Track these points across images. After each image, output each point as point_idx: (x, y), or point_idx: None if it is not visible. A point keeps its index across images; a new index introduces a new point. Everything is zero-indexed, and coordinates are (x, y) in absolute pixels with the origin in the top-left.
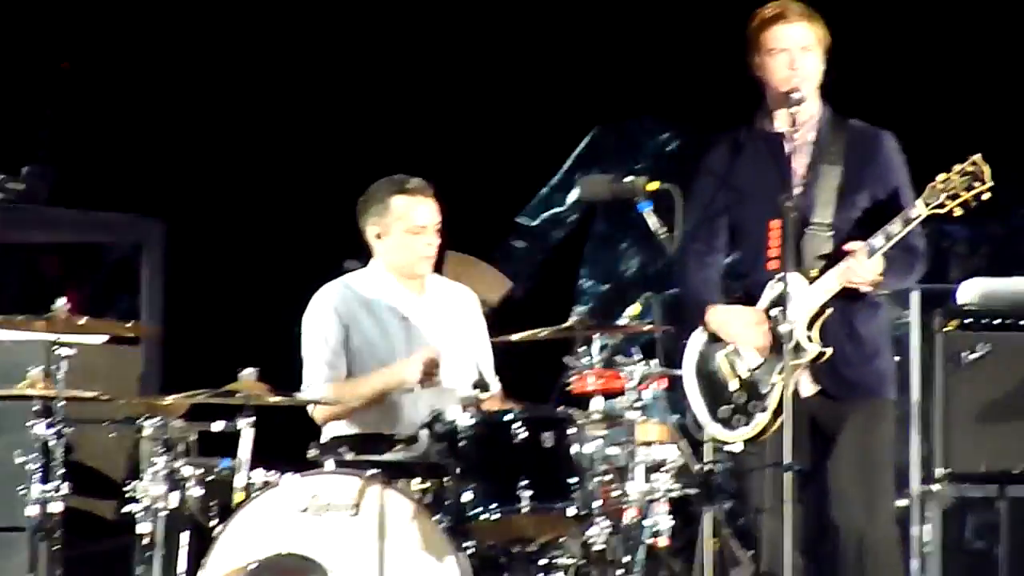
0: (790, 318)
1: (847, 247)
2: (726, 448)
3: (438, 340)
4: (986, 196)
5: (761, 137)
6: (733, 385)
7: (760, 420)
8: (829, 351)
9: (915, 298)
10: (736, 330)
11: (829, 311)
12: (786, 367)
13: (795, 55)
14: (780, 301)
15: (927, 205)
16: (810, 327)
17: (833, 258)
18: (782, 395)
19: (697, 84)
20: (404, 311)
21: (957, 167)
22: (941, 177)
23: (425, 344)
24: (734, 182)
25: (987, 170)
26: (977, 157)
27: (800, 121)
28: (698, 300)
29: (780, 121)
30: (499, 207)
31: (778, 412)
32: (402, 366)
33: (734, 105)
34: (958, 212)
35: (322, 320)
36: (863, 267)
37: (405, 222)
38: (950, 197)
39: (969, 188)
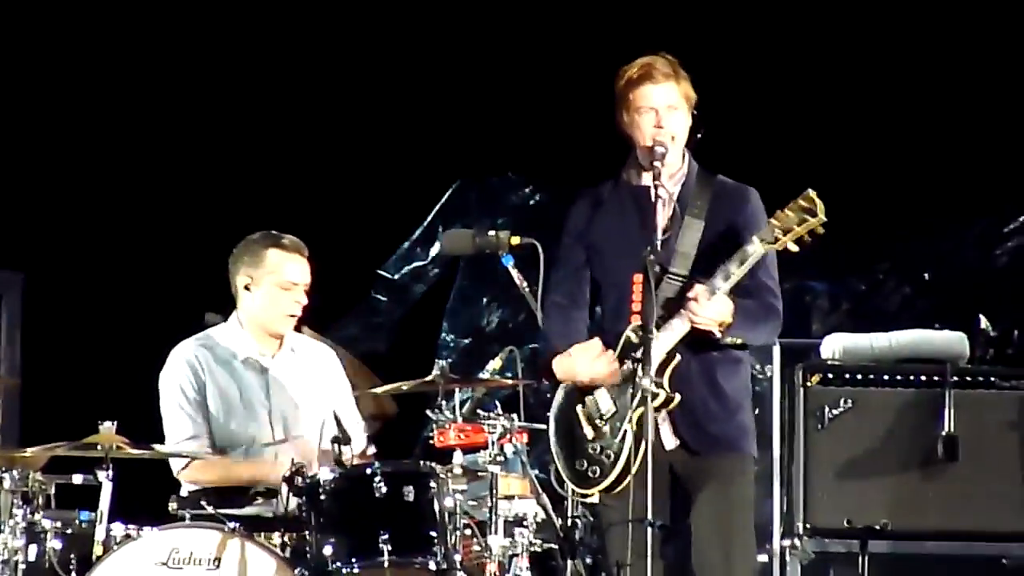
0: (632, 370)
1: (691, 293)
2: (586, 501)
3: (297, 393)
4: (819, 231)
5: (627, 190)
6: (589, 435)
7: (614, 470)
8: (677, 398)
9: (777, 352)
10: (581, 367)
11: (678, 358)
12: (647, 423)
13: (662, 114)
14: (632, 350)
15: (762, 241)
16: (659, 374)
17: (679, 303)
18: (634, 445)
19: (559, 140)
20: (262, 364)
21: (791, 203)
22: (777, 213)
23: (284, 401)
24: (597, 236)
25: (820, 204)
26: (811, 192)
27: (668, 175)
28: (554, 351)
29: (647, 176)
30: (360, 261)
31: (629, 462)
32: (270, 468)
33: (595, 161)
34: (793, 248)
35: (178, 377)
36: (704, 307)
37: (277, 276)
38: (784, 232)
39: (802, 222)
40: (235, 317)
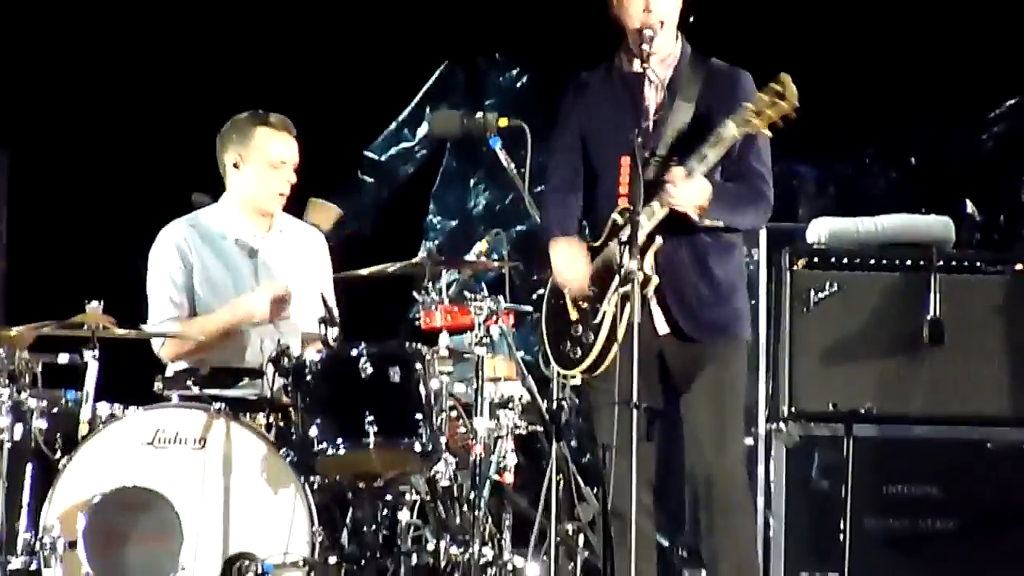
0: (615, 250)
1: (667, 175)
2: (569, 383)
3: (286, 276)
4: (791, 115)
5: (618, 75)
6: (572, 316)
7: (592, 350)
8: (655, 279)
9: (763, 236)
10: (557, 267)
11: (659, 241)
12: (634, 305)
13: None
14: (631, 241)
15: (735, 124)
16: (640, 255)
17: (657, 185)
18: (614, 323)
19: (547, 22)
20: (252, 245)
21: (766, 87)
22: (752, 97)
23: (273, 279)
24: (589, 121)
25: (792, 89)
26: (784, 76)
27: (660, 59)
28: (550, 236)
29: (637, 61)
30: (347, 141)
31: (610, 341)
32: (250, 299)
33: (584, 45)
34: (765, 131)
35: (165, 258)
36: (680, 189)
37: (265, 155)
38: (756, 115)
39: (773, 106)
40: (225, 197)
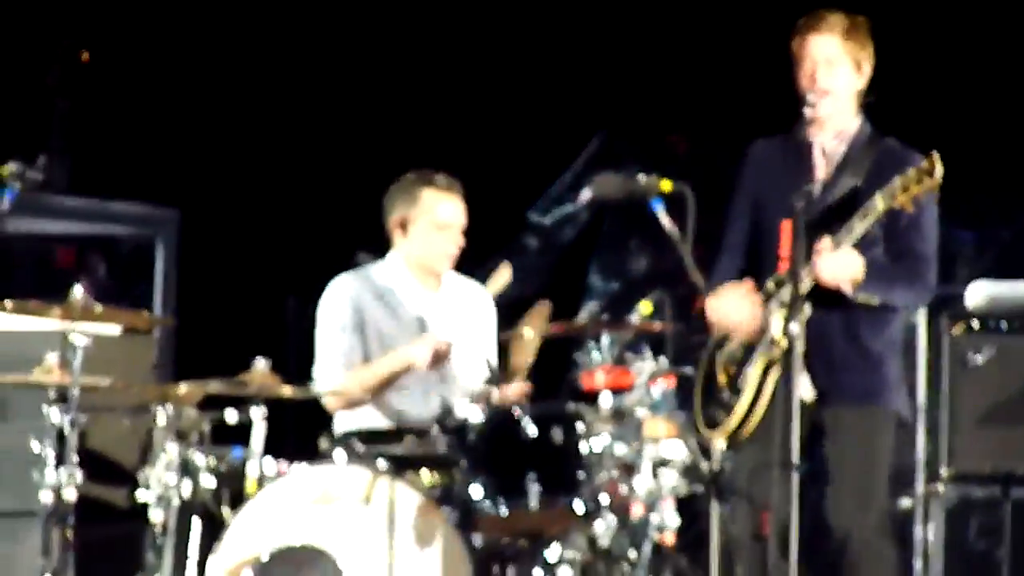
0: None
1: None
2: (715, 446)
3: (453, 335)
4: (935, 193)
5: (793, 144)
6: (722, 381)
7: (736, 413)
8: (798, 347)
9: None
10: (726, 307)
11: (808, 310)
12: (761, 360)
13: (819, 67)
14: (792, 305)
15: (882, 198)
16: (787, 321)
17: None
18: (759, 387)
19: (710, 94)
20: (419, 307)
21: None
22: (904, 173)
23: (441, 336)
24: (760, 188)
25: (939, 167)
26: (934, 154)
27: (834, 133)
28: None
29: (813, 131)
30: (511, 204)
31: (754, 404)
32: (411, 350)
33: (747, 115)
34: (908, 207)
35: (337, 308)
36: (827, 261)
37: (432, 216)
38: (903, 190)
39: (919, 181)
40: (392, 255)
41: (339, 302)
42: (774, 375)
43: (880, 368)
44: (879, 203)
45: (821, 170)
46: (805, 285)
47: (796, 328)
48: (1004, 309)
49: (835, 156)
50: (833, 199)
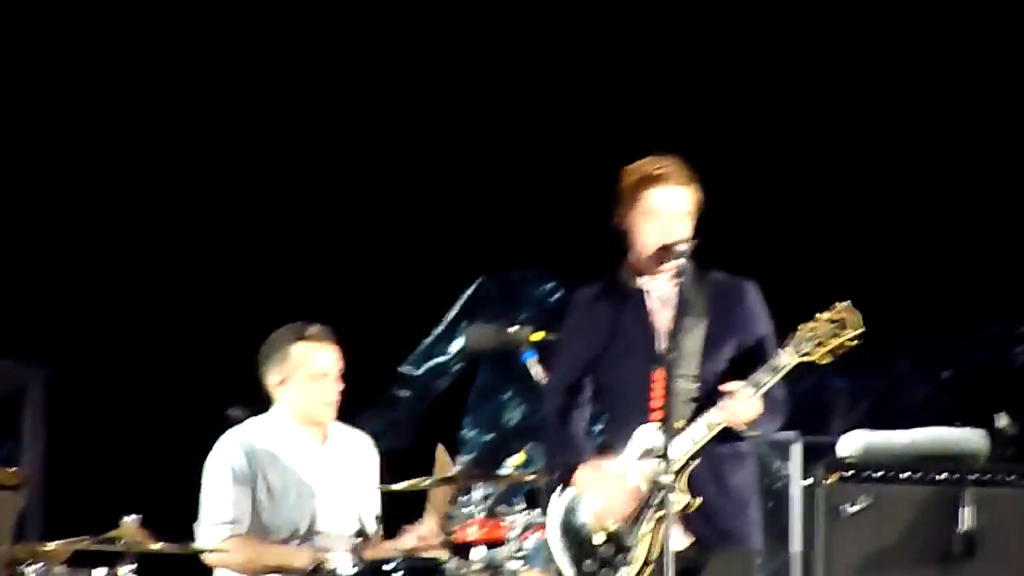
0: (656, 469)
1: (725, 387)
2: None
3: (341, 483)
4: (853, 343)
5: (624, 291)
6: (599, 539)
7: (631, 571)
8: (698, 501)
9: (796, 450)
10: (598, 496)
11: (696, 461)
12: (655, 516)
13: (671, 221)
14: (648, 452)
15: (796, 353)
16: (677, 476)
17: (700, 406)
18: (650, 547)
19: (580, 232)
20: (308, 461)
21: (822, 315)
22: (808, 325)
23: (330, 496)
24: (596, 341)
25: (855, 317)
26: (844, 304)
27: (666, 276)
28: (562, 459)
29: (643, 278)
30: (381, 356)
31: (645, 565)
32: (297, 556)
33: (617, 254)
34: (825, 360)
35: (229, 460)
36: (745, 406)
37: (307, 369)
38: (817, 345)
39: (835, 335)
40: (274, 411)
41: (233, 454)
42: (663, 529)
43: (745, 508)
44: (792, 358)
45: (659, 317)
46: (711, 433)
47: (668, 479)
48: (879, 458)
49: (670, 300)
50: (684, 344)
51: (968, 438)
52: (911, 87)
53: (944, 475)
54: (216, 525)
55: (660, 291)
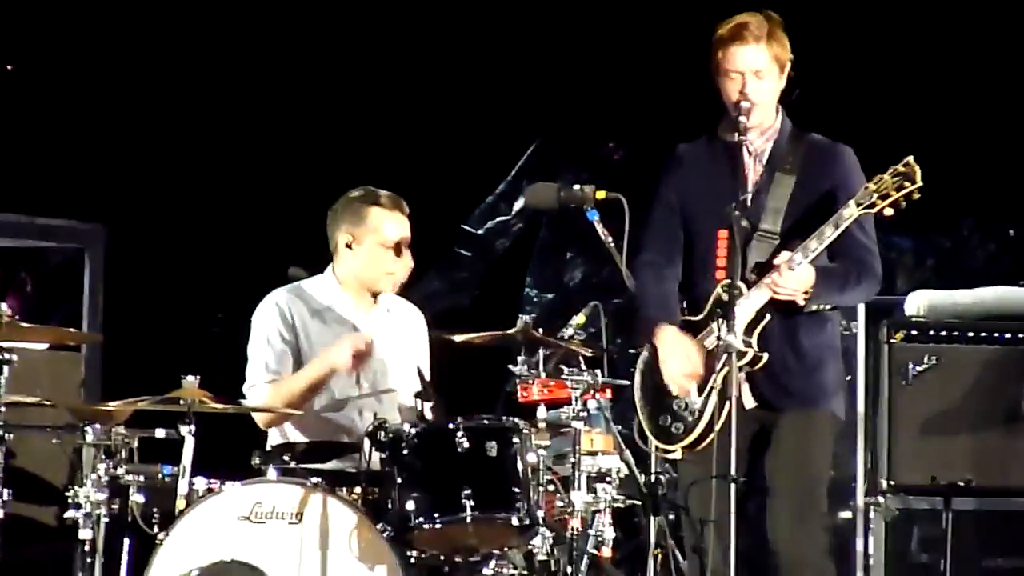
0: (730, 326)
1: (776, 260)
2: (667, 457)
3: (386, 353)
4: (915, 196)
5: (719, 146)
6: (674, 395)
7: (697, 428)
8: (765, 356)
9: (861, 310)
10: (670, 360)
11: (768, 318)
12: (732, 379)
13: (748, 79)
14: (722, 310)
15: (858, 205)
16: (748, 332)
17: (768, 266)
18: (719, 402)
19: (642, 98)
20: (355, 322)
21: (890, 169)
22: (875, 178)
23: (375, 359)
24: (687, 192)
25: (918, 171)
26: (910, 159)
27: (760, 132)
28: (650, 317)
29: (740, 135)
30: (445, 215)
31: (713, 420)
32: (332, 352)
33: (678, 120)
34: (888, 212)
35: (268, 322)
36: (785, 280)
37: (380, 235)
38: (881, 197)
39: (900, 188)
40: (330, 271)
41: (271, 316)
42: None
43: (818, 372)
44: (854, 210)
45: (751, 171)
46: (767, 295)
47: (734, 340)
48: (944, 318)
49: (762, 156)
50: (770, 200)
51: None
52: None
53: (1010, 335)
54: (258, 385)
55: (754, 147)
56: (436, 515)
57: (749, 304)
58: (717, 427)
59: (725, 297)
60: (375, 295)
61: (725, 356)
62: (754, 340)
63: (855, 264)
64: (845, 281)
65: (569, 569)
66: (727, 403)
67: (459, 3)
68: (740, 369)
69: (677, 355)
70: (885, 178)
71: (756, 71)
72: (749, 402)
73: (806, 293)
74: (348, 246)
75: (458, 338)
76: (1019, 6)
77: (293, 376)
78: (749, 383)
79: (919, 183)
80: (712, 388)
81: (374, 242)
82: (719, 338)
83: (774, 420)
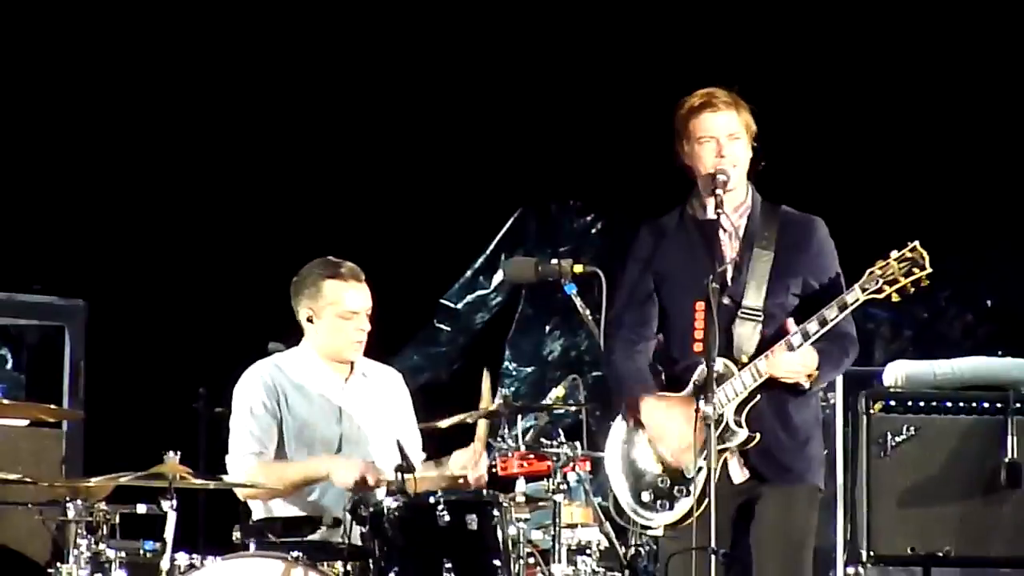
0: (718, 403)
1: (773, 349)
2: (648, 533)
3: (367, 421)
4: (924, 283)
5: (692, 223)
6: (656, 470)
7: (684, 504)
8: (758, 437)
9: (839, 381)
10: (658, 427)
11: (758, 398)
12: (711, 452)
13: (723, 143)
14: (707, 385)
15: (864, 290)
16: (739, 412)
17: (762, 346)
18: (707, 480)
19: (619, 168)
20: (334, 397)
21: (895, 253)
22: (880, 263)
23: (355, 430)
24: (664, 266)
25: (926, 256)
26: (916, 244)
27: (733, 208)
28: (627, 390)
29: (710, 208)
30: (422, 290)
31: (703, 497)
32: (339, 466)
33: (655, 189)
34: (896, 298)
35: (252, 393)
36: (782, 361)
37: (337, 307)
38: (888, 283)
39: (908, 274)
40: (304, 344)
41: (256, 387)
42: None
43: (807, 445)
44: (859, 295)
45: (728, 248)
46: (758, 376)
47: (711, 410)
48: (922, 388)
49: (738, 231)
50: (752, 277)
51: (1012, 367)
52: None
53: (988, 404)
54: (242, 456)
55: (728, 223)
56: None
57: (742, 383)
58: (710, 503)
59: (708, 373)
60: (348, 364)
61: (715, 434)
62: (743, 419)
63: (842, 338)
64: (841, 358)
65: None
66: (710, 475)
67: (438, 76)
68: (732, 450)
69: (671, 430)
70: (891, 263)
71: (730, 134)
72: (738, 477)
73: (809, 376)
74: (309, 320)
75: (443, 424)
76: (984, 81)
77: (290, 464)
78: (740, 457)
79: (928, 269)
80: (702, 468)
81: (332, 314)
82: (701, 413)
83: (759, 492)
